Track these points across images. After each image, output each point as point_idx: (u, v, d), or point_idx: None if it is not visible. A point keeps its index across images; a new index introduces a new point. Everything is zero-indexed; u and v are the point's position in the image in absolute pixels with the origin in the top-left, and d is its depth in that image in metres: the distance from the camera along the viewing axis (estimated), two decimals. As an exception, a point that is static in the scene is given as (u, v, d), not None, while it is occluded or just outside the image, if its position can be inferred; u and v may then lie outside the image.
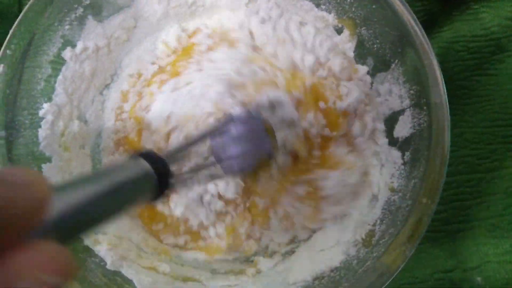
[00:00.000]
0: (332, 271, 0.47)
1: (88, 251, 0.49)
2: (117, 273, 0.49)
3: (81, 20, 0.54)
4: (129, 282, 0.48)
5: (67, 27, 0.53)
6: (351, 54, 0.56)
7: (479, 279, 0.60)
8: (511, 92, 0.66)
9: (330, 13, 0.57)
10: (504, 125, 0.65)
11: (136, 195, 0.32)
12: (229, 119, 0.48)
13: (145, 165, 0.32)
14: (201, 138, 0.46)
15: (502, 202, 0.62)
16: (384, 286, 0.42)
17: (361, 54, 0.55)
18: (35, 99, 0.51)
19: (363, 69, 0.56)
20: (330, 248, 0.51)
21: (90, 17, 0.55)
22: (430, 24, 0.66)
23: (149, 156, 0.34)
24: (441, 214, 0.61)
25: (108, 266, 0.48)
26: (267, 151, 0.51)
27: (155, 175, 0.33)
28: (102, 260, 0.49)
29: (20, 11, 0.64)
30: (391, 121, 0.52)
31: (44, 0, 0.50)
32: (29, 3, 0.49)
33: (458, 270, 0.60)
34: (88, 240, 0.50)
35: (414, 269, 0.60)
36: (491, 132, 0.64)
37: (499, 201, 0.62)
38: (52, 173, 0.51)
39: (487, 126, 0.65)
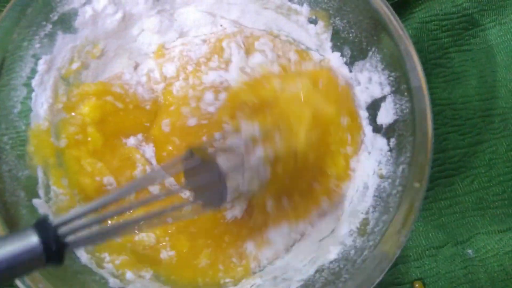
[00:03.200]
0: (331, 263, 0.48)
1: (87, 271, 0.49)
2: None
3: (51, 36, 0.53)
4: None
5: (37, 45, 0.52)
6: (327, 44, 0.57)
7: (470, 251, 0.61)
8: (486, 66, 0.67)
9: (302, 5, 0.57)
10: (482, 99, 0.66)
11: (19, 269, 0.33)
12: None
13: (31, 241, 0.32)
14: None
15: (486, 175, 0.64)
16: (383, 274, 0.43)
17: (337, 44, 0.55)
18: (13, 122, 0.50)
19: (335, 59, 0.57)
20: (327, 238, 0.52)
21: (59, 32, 0.53)
22: (402, 7, 0.67)
23: (41, 226, 0.33)
24: (428, 192, 0.62)
25: (111, 285, 0.48)
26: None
27: (41, 249, 0.32)
28: (102, 277, 0.49)
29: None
30: (373, 108, 0.53)
31: (10, 19, 0.49)
32: (-4, 24, 0.48)
33: (449, 245, 0.61)
34: (88, 261, 0.49)
35: (406, 248, 0.61)
36: (470, 107, 0.66)
37: (483, 174, 0.64)
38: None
39: (466, 101, 0.66)
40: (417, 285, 0.60)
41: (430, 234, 0.62)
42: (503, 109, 0.66)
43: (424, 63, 0.48)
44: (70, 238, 0.34)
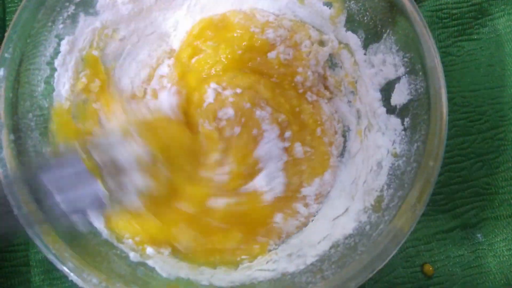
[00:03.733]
0: (346, 238, 0.49)
1: (108, 244, 0.50)
2: (140, 263, 0.50)
3: (74, 18, 0.54)
4: (153, 269, 0.50)
5: (60, 26, 0.53)
6: (342, 28, 0.58)
7: (479, 235, 0.62)
8: (495, 55, 0.68)
9: (317, -11, 0.58)
10: (491, 87, 0.67)
11: None
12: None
13: None
14: None
15: (495, 161, 0.65)
16: (398, 247, 0.44)
17: (352, 27, 0.56)
18: (37, 100, 0.51)
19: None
20: (340, 216, 0.53)
21: (82, 14, 0.55)
22: (413, -5, 0.68)
23: None
24: (438, 177, 0.63)
25: (132, 259, 0.49)
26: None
27: None
28: (123, 251, 0.50)
29: (4, 14, 0.63)
30: (387, 90, 0.54)
31: (35, 0, 0.50)
32: (22, 4, 0.49)
33: (458, 229, 0.62)
34: (109, 236, 0.51)
35: (416, 231, 0.62)
36: (479, 95, 0.67)
37: (492, 160, 0.65)
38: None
39: (475, 89, 0.67)
40: (426, 268, 0.61)
41: (439, 218, 0.63)
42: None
43: (434, 51, 0.50)
44: None
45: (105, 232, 0.51)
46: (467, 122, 0.66)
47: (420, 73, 0.48)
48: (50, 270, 0.58)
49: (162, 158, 0.49)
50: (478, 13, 0.69)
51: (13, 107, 0.48)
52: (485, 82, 0.67)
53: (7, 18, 0.64)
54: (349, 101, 0.61)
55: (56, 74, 0.54)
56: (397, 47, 0.51)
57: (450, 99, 0.65)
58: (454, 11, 0.68)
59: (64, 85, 0.54)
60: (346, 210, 0.53)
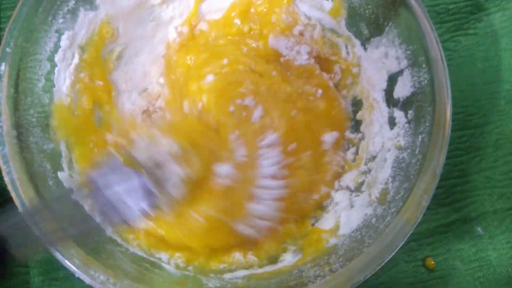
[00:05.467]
0: (353, 231, 0.49)
1: (113, 241, 0.49)
2: (144, 259, 0.49)
3: (74, 12, 0.53)
4: (158, 266, 0.49)
5: (60, 20, 0.52)
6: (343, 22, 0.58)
7: (479, 229, 0.63)
8: (491, 49, 0.68)
9: (318, -16, 0.58)
10: (488, 82, 0.68)
11: None
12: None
13: None
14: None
15: (493, 155, 0.65)
16: (406, 238, 0.44)
17: (353, 21, 0.56)
18: (38, 96, 0.50)
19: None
20: (344, 211, 0.53)
21: (81, 8, 0.54)
22: (411, -10, 0.69)
23: None
24: (438, 171, 0.63)
25: (138, 255, 0.49)
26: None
27: None
28: (128, 249, 0.49)
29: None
30: (390, 83, 0.54)
31: (36, -7, 0.49)
32: (22, -1, 0.49)
33: (459, 223, 0.63)
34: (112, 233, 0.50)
35: (417, 225, 0.62)
36: (476, 89, 0.67)
37: (490, 154, 0.65)
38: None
39: (472, 83, 0.67)
40: (428, 261, 0.61)
41: (440, 211, 0.63)
42: (508, 92, 0.68)
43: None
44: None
45: (109, 229, 0.50)
46: (465, 116, 0.66)
47: (424, 65, 0.48)
48: (49, 271, 0.57)
49: (189, 147, 0.50)
50: (474, 8, 0.69)
51: (15, 103, 0.47)
52: (482, 76, 0.68)
53: (1, 15, 0.63)
54: (355, 97, 0.61)
55: (56, 70, 0.53)
56: (400, 40, 0.51)
57: (448, 94, 0.66)
58: (451, 6, 0.69)
59: (64, 81, 0.54)
60: (351, 206, 0.53)
